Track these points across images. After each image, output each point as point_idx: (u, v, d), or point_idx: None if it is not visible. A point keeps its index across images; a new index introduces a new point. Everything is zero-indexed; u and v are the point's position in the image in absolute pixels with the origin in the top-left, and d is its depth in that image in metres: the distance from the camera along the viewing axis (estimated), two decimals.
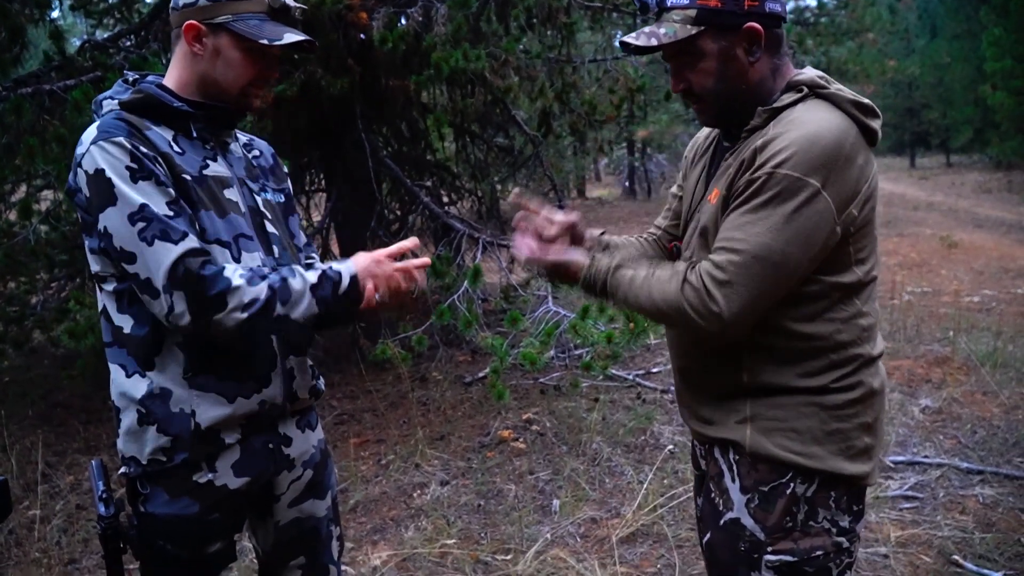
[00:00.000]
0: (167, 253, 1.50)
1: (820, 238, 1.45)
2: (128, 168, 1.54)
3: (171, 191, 1.57)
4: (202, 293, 1.51)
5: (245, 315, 1.54)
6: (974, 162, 31.28)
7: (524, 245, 1.74)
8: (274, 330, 1.65)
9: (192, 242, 1.54)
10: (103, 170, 1.53)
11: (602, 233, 1.90)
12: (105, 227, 1.53)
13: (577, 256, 1.69)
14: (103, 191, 1.53)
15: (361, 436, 4.98)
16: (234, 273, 1.55)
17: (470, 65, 4.94)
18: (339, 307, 1.65)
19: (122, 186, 1.53)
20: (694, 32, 1.53)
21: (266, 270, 1.63)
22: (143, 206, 1.52)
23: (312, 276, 1.63)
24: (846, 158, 1.45)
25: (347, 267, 1.67)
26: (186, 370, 1.64)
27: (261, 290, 1.56)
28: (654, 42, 1.55)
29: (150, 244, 1.50)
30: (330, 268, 1.66)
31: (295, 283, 1.60)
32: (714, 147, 1.76)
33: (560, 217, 1.76)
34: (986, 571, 3.11)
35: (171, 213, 1.54)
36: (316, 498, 1.91)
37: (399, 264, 1.71)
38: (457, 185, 7.89)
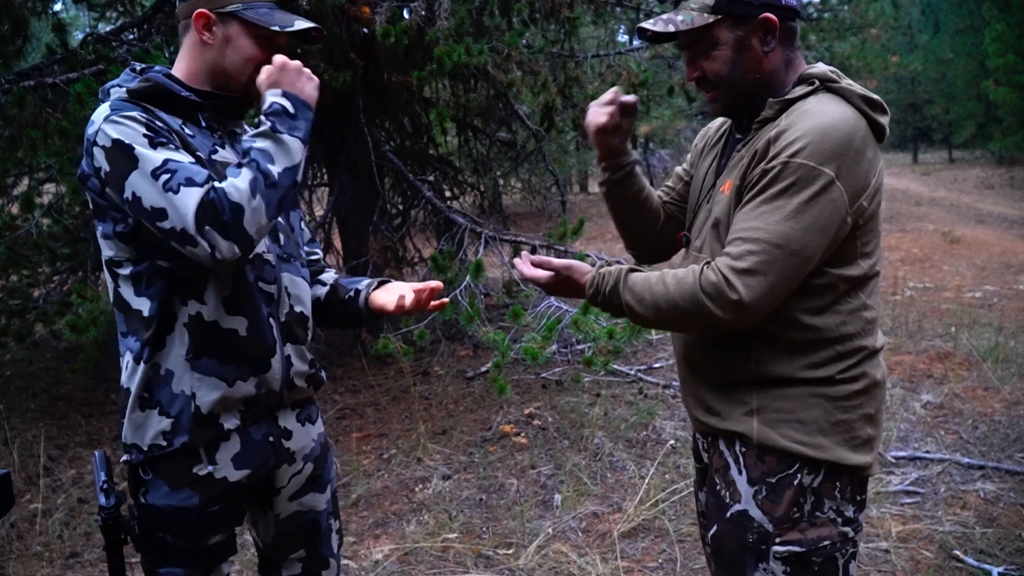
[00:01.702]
0: (192, 196, 1.48)
1: (834, 227, 1.47)
2: (145, 136, 1.54)
3: (190, 156, 1.57)
4: (220, 218, 1.49)
5: (259, 197, 1.53)
6: (976, 158, 31.21)
7: (526, 258, 1.74)
8: (291, 188, 1.63)
9: (213, 180, 1.53)
10: (120, 140, 1.53)
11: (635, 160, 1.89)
12: (132, 193, 1.52)
13: (581, 264, 1.69)
14: (124, 158, 1.52)
15: (363, 430, 4.99)
16: (222, 183, 1.53)
17: (473, 59, 4.93)
18: (306, 123, 1.65)
19: (142, 150, 1.52)
20: (711, 20, 1.55)
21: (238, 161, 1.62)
22: (166, 160, 1.51)
23: (264, 126, 1.61)
24: (857, 150, 1.47)
25: (271, 92, 1.65)
26: (188, 351, 1.65)
27: (247, 172, 1.55)
28: (671, 28, 1.57)
29: (176, 192, 1.49)
30: (265, 106, 1.64)
31: (260, 143, 1.59)
32: (725, 139, 1.77)
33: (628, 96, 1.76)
34: (987, 566, 3.11)
35: (194, 165, 1.54)
36: (316, 491, 1.92)
37: None
38: (459, 179, 7.88)
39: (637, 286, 1.58)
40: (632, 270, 1.63)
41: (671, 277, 1.55)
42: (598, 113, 1.76)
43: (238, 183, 1.52)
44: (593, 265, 1.71)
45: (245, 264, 1.65)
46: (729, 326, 1.52)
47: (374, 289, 1.95)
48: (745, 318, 1.49)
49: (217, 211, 1.49)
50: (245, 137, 1.63)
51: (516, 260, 1.75)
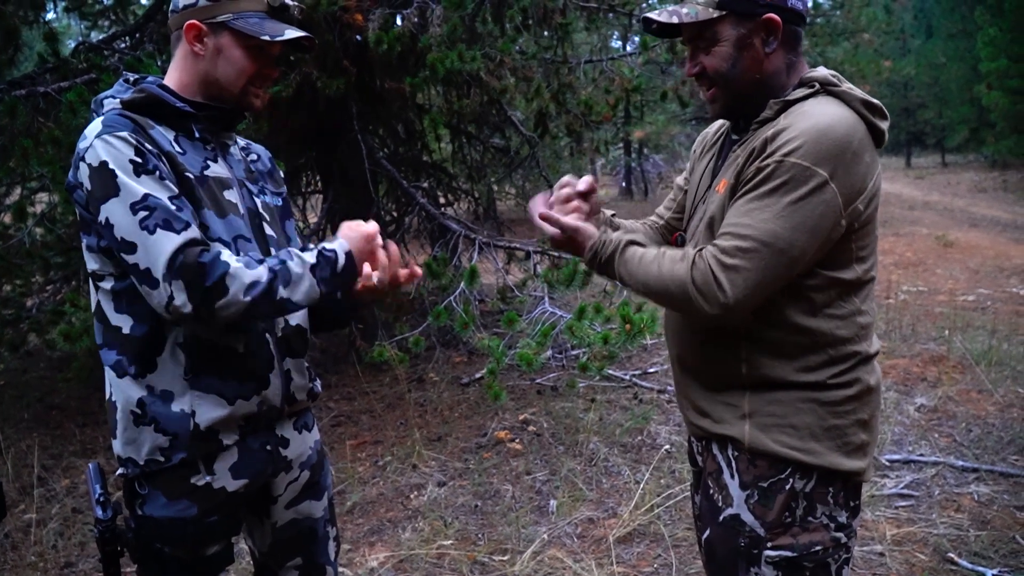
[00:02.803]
0: (168, 241, 1.49)
1: (825, 228, 1.47)
2: (132, 162, 1.54)
3: (173, 187, 1.57)
4: (201, 282, 1.49)
5: (248, 298, 1.53)
6: (969, 161, 31.35)
7: (539, 203, 1.75)
8: (277, 314, 1.63)
9: (194, 232, 1.53)
10: (106, 162, 1.53)
11: (612, 214, 1.91)
12: (107, 218, 1.52)
13: (589, 226, 1.70)
14: (106, 183, 1.52)
15: (358, 437, 4.98)
16: (231, 258, 1.54)
17: (466, 66, 4.94)
18: (338, 286, 1.65)
19: (125, 178, 1.52)
20: (715, 16, 1.56)
21: (262, 257, 1.62)
22: (146, 195, 1.51)
23: (310, 257, 1.63)
24: (854, 153, 1.47)
25: (340, 244, 1.67)
26: (187, 371, 1.64)
27: (261, 273, 1.55)
28: (675, 20, 1.59)
29: (152, 233, 1.49)
30: (324, 248, 1.66)
31: (294, 265, 1.60)
32: (722, 141, 1.78)
33: (582, 181, 1.77)
34: (981, 568, 3.11)
35: (174, 207, 1.54)
36: (313, 499, 1.92)
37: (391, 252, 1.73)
38: (453, 186, 7.88)
39: (632, 261, 1.60)
40: (632, 242, 1.64)
41: (667, 259, 1.56)
42: (567, 211, 1.75)
43: (245, 272, 1.53)
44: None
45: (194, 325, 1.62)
46: (712, 320, 1.53)
47: None
48: (729, 314, 1.49)
49: (202, 273, 1.49)
50: (294, 247, 1.65)
51: (531, 203, 1.77)
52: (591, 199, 1.78)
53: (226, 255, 1.54)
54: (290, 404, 1.81)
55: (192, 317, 1.51)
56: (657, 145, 21.02)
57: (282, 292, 1.57)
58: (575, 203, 1.75)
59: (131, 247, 1.51)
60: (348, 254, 1.66)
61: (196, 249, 1.51)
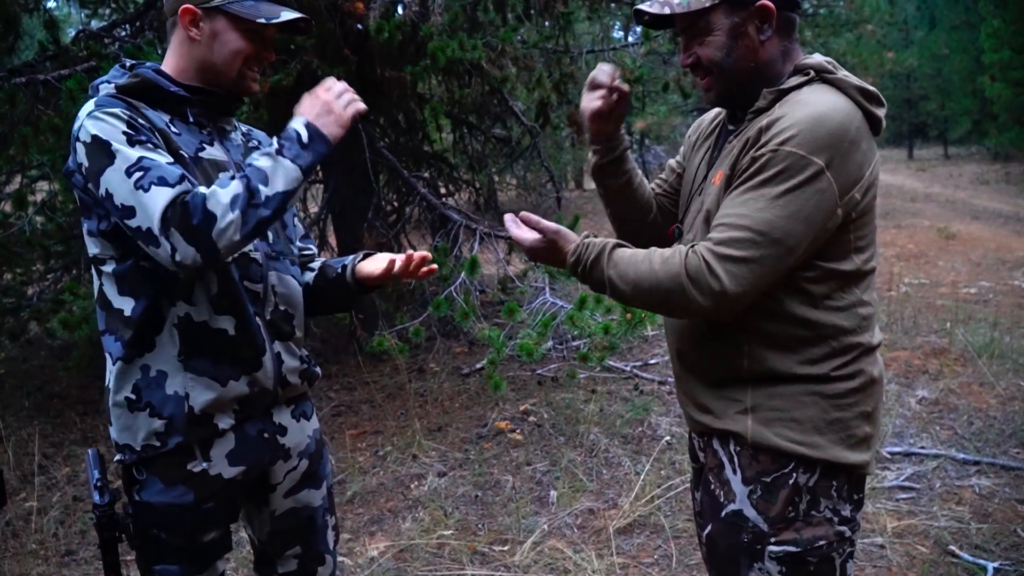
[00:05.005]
0: (162, 196, 1.47)
1: (821, 218, 1.45)
2: (125, 133, 1.53)
3: (169, 156, 1.56)
4: (189, 222, 1.47)
5: (236, 212, 1.50)
6: (972, 153, 31.26)
7: (514, 218, 1.70)
8: (276, 215, 1.59)
9: (187, 185, 1.51)
10: (99, 135, 1.53)
11: (626, 148, 1.85)
12: (106, 189, 1.51)
13: (570, 232, 1.66)
14: (101, 154, 1.52)
15: (358, 427, 4.98)
16: (206, 189, 1.52)
17: (467, 55, 4.92)
18: (315, 156, 1.62)
19: (119, 146, 1.52)
20: (708, 4, 1.53)
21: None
22: (140, 158, 1.51)
23: (271, 147, 1.60)
24: (851, 141, 1.45)
25: (296, 120, 1.64)
26: (180, 352, 1.64)
27: (235, 185, 1.52)
28: (667, 11, 1.56)
29: (146, 191, 1.48)
30: (283, 131, 1.63)
31: (260, 163, 1.57)
32: (719, 130, 1.75)
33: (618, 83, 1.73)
34: (982, 561, 3.11)
35: (170, 168, 1.52)
36: (312, 488, 1.92)
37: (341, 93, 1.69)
38: (454, 176, 7.86)
39: (621, 261, 1.56)
40: (619, 244, 1.60)
41: (657, 256, 1.52)
42: (593, 99, 1.73)
43: (221, 193, 1.51)
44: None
45: (211, 270, 1.62)
46: (708, 313, 1.49)
47: (360, 261, 1.94)
48: (725, 307, 1.46)
49: (187, 214, 1.47)
50: (254, 153, 1.62)
51: (507, 216, 1.71)
52: (622, 103, 1.74)
53: (201, 188, 1.52)
54: (284, 387, 1.81)
55: (203, 263, 1.50)
56: (659, 136, 20.98)
57: (264, 191, 1.54)
58: (604, 92, 1.71)
59: (131, 211, 1.49)
60: (307, 124, 1.63)
61: (182, 197, 1.49)
